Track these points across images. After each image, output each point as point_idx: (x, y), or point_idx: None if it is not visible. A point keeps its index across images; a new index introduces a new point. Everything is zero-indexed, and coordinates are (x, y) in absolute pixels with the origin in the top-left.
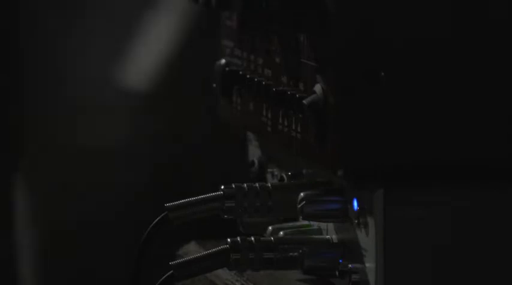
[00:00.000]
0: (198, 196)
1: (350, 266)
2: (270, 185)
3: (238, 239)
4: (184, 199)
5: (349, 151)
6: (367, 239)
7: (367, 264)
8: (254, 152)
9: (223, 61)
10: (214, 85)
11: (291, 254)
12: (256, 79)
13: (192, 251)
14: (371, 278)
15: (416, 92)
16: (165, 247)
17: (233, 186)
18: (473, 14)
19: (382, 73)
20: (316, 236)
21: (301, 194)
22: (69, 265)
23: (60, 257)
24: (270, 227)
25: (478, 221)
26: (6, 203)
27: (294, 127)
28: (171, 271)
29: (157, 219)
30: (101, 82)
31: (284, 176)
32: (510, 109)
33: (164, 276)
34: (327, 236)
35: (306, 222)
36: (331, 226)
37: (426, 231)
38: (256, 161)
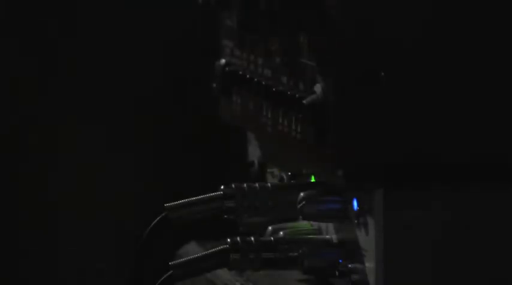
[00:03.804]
0: (198, 196)
1: (350, 266)
2: (269, 185)
3: (238, 239)
4: (184, 199)
5: (349, 151)
6: (367, 239)
7: (367, 264)
8: (254, 152)
9: (223, 61)
10: (214, 85)
11: (291, 254)
12: (256, 79)
13: (192, 251)
14: (371, 278)
15: (416, 92)
16: (165, 247)
17: (233, 186)
18: (474, 14)
19: (382, 73)
20: (316, 236)
21: (301, 194)
22: (69, 264)
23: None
24: (270, 227)
25: (477, 221)
26: None
27: (294, 127)
28: (171, 271)
29: (157, 219)
30: None
31: (284, 176)
32: (510, 110)
33: (164, 276)
34: (327, 236)
35: (306, 222)
36: (331, 226)
37: (425, 231)
38: (256, 161)
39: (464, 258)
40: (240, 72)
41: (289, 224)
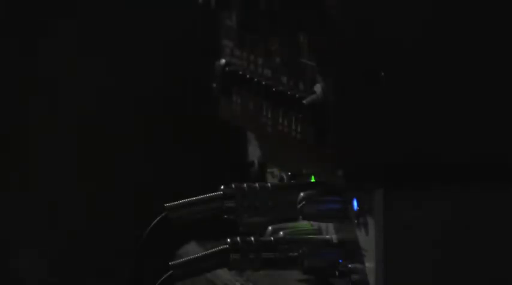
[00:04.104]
0: (198, 196)
1: (350, 266)
2: (269, 185)
3: (238, 239)
4: (184, 199)
5: (349, 151)
6: (367, 239)
7: (367, 264)
8: (254, 152)
9: (223, 61)
10: (214, 85)
11: (291, 254)
12: (256, 79)
13: (192, 251)
14: (371, 278)
15: (416, 92)
16: (165, 247)
17: (233, 186)
18: (474, 14)
19: (382, 73)
20: (316, 236)
21: (301, 194)
22: (69, 264)
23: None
24: (270, 227)
25: (477, 221)
26: None
27: (294, 127)
28: (171, 271)
29: (157, 219)
30: None
31: (284, 176)
32: (510, 110)
33: (164, 276)
34: (327, 236)
35: (306, 222)
36: (331, 226)
37: (425, 231)
38: (256, 161)
39: (464, 258)
40: (240, 72)
41: (289, 224)
